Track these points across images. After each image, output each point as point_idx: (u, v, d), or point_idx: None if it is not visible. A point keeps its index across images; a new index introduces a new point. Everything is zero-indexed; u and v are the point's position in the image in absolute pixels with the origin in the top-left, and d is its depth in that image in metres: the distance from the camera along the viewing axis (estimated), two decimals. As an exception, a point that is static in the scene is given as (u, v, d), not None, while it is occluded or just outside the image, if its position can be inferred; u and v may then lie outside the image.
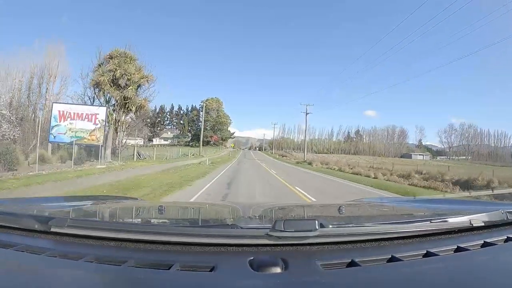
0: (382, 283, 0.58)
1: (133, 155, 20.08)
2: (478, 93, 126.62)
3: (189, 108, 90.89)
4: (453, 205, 1.59)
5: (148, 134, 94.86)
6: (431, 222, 0.82)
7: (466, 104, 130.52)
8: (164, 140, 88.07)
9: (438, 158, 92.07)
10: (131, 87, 17.68)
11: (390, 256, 0.67)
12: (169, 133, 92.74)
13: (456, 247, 0.73)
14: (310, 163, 33.76)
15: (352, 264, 0.64)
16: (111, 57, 18.86)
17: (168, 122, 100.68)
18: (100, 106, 17.93)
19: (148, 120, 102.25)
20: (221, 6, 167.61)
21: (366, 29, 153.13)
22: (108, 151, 18.39)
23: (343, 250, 0.73)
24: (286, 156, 55.32)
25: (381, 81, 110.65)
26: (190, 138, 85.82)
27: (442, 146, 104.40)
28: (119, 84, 17.83)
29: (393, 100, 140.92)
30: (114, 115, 18.59)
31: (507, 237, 0.82)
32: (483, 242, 0.77)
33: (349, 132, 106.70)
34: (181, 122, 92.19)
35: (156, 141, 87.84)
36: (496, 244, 0.77)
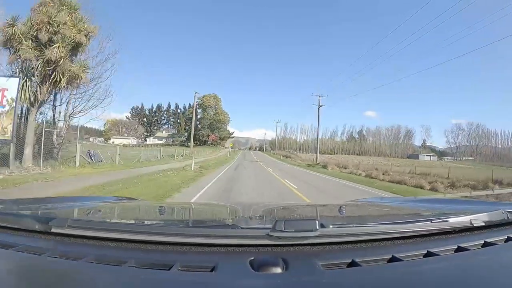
0: (382, 283, 0.56)
1: (76, 156, 12.80)
2: (480, 92, 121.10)
3: (187, 107, 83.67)
4: (454, 205, 1.54)
5: (145, 133, 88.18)
6: (431, 222, 0.79)
7: (466, 104, 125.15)
8: (159, 140, 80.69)
9: (445, 159, 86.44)
10: (58, 44, 10.32)
11: (390, 256, 0.65)
12: (164, 132, 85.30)
13: (456, 247, 0.71)
14: (324, 166, 26.56)
15: (352, 264, 0.62)
16: (41, 5, 11.63)
17: (165, 121, 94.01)
18: (11, 76, 10.59)
19: (145, 119, 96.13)
20: (221, 6, 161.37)
21: (368, 28, 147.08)
22: (28, 150, 11.13)
23: (343, 250, 0.70)
24: (290, 157, 48.07)
25: (381, 80, 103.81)
26: (186, 137, 78.46)
27: (449, 146, 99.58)
28: (40, 40, 10.48)
29: (393, 100, 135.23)
30: (38, 92, 11.22)
31: (508, 237, 0.79)
32: (483, 242, 0.75)
33: (352, 132, 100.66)
34: (178, 121, 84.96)
35: (149, 140, 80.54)
36: (496, 244, 0.75)
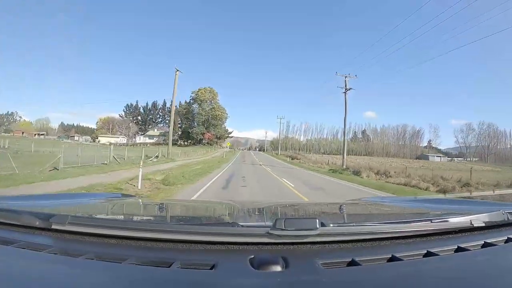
0: (382, 283, 0.54)
1: None
2: (478, 92, 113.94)
3: (182, 103, 75.15)
4: (454, 205, 1.51)
5: (139, 132, 79.89)
6: (431, 222, 0.77)
7: (465, 105, 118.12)
8: (150, 138, 72.11)
9: (456, 160, 79.05)
10: None
11: (390, 256, 0.64)
12: (156, 130, 76.64)
13: (456, 247, 0.70)
14: (356, 173, 18.36)
15: (352, 263, 0.61)
16: None
17: (160, 119, 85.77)
18: None
19: (139, 117, 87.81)
20: (219, 7, 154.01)
21: (368, 26, 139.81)
22: None
23: (343, 249, 0.69)
24: (298, 159, 39.64)
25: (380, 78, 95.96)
26: (179, 135, 69.53)
27: (449, 147, 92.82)
28: None
29: (391, 101, 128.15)
30: None
31: (508, 237, 0.77)
32: (483, 242, 0.73)
33: (355, 132, 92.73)
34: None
35: (140, 139, 72.05)
36: (496, 245, 0.73)
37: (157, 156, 19.31)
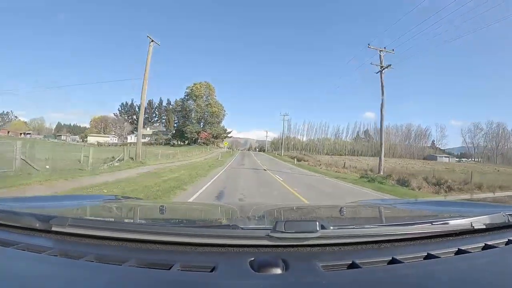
0: (382, 285, 0.54)
1: None
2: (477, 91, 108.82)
3: (178, 101, 69.38)
4: (454, 207, 1.47)
5: (134, 131, 74.38)
6: (432, 224, 0.76)
7: (465, 104, 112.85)
8: (142, 138, 66.45)
9: (463, 160, 73.93)
10: None
11: (391, 258, 0.63)
12: (148, 129, 70.61)
13: (457, 249, 0.69)
14: (403, 183, 12.71)
15: (352, 265, 0.60)
16: None
17: (156, 118, 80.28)
18: None
19: (134, 116, 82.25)
20: (219, 5, 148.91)
21: (367, 26, 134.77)
22: None
23: (343, 252, 0.68)
24: (305, 160, 33.89)
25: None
26: (173, 134, 63.46)
27: (450, 147, 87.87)
28: None
29: (393, 100, 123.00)
30: None
31: (508, 239, 0.75)
32: (484, 244, 0.72)
33: (358, 132, 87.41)
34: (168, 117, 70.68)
35: (131, 138, 66.18)
36: (497, 247, 0.72)
37: (121, 159, 13.57)
